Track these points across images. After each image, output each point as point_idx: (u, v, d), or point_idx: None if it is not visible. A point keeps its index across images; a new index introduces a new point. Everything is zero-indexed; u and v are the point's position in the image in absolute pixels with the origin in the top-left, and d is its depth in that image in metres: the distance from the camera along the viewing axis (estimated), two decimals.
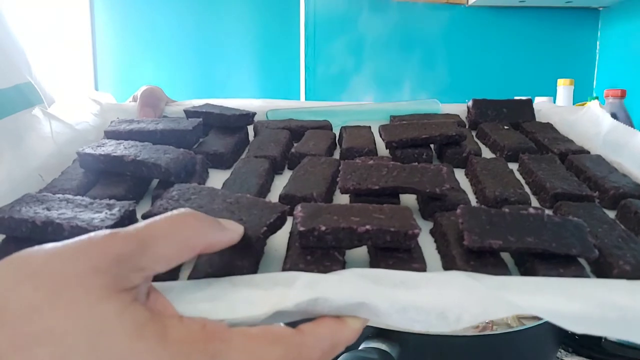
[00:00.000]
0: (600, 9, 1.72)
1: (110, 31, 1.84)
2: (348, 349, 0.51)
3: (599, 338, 0.58)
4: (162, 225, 0.23)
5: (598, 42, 1.75)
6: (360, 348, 0.51)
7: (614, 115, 1.20)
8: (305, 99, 1.80)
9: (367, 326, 0.54)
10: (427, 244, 0.36)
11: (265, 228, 0.32)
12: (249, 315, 0.26)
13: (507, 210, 0.34)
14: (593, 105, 0.55)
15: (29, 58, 0.63)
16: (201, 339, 0.22)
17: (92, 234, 0.23)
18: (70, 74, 1.85)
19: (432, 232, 0.38)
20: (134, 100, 0.66)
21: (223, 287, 0.28)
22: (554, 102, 1.29)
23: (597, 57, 1.75)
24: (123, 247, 0.22)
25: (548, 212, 0.34)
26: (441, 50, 1.71)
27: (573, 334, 0.65)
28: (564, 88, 1.28)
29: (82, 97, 0.60)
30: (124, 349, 0.21)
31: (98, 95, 0.64)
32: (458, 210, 0.34)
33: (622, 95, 1.15)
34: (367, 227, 0.32)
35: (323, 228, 0.32)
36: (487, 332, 0.61)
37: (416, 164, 0.42)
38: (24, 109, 0.56)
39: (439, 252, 0.35)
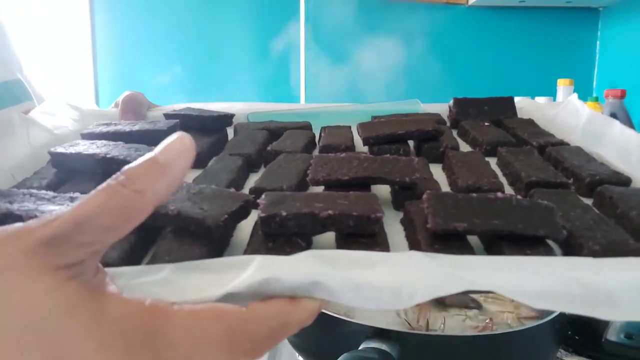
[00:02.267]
0: (600, 9, 1.73)
1: (110, 32, 1.86)
2: (348, 349, 0.49)
3: (599, 338, 0.57)
4: (97, 198, 0.23)
5: (598, 42, 1.75)
6: (360, 348, 0.49)
7: (613, 115, 1.19)
8: (305, 101, 1.81)
9: (367, 326, 0.53)
10: (397, 234, 0.36)
11: (225, 216, 0.32)
12: (199, 298, 0.25)
13: (474, 195, 0.33)
14: (573, 98, 0.54)
15: (19, 56, 0.63)
16: (139, 316, 0.22)
17: (29, 221, 0.22)
18: (70, 74, 1.87)
19: (402, 222, 0.37)
20: (117, 106, 0.66)
21: (176, 271, 0.27)
22: (555, 103, 1.29)
23: (597, 57, 1.75)
24: (57, 228, 0.22)
25: (518, 197, 0.34)
26: (441, 50, 1.72)
27: (573, 334, 0.64)
28: (564, 88, 1.28)
29: (62, 104, 0.60)
30: (56, 327, 0.20)
31: (79, 103, 0.64)
32: (424, 196, 0.33)
33: (622, 95, 1.15)
34: (330, 211, 0.31)
35: (284, 213, 0.31)
36: (487, 332, 0.60)
37: (388, 155, 0.42)
38: (11, 106, 0.56)
39: (407, 240, 0.35)
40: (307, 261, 0.26)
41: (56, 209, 0.33)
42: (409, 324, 0.59)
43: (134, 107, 0.65)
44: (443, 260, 0.26)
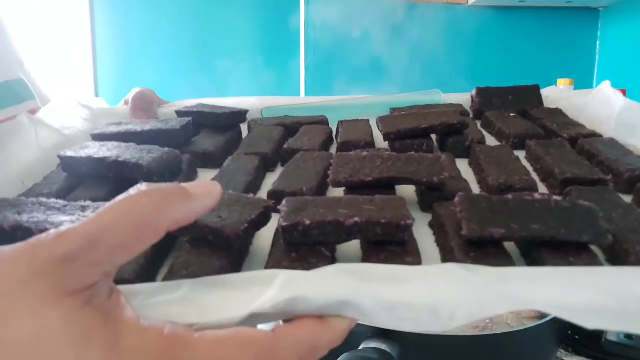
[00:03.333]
0: (600, 9, 1.70)
1: (110, 31, 1.85)
2: (348, 349, 0.48)
3: (599, 338, 0.56)
4: (113, 212, 0.21)
5: (598, 42, 1.72)
6: (360, 348, 0.49)
7: None
8: (305, 95, 1.79)
9: (367, 326, 0.52)
10: (426, 238, 0.34)
11: (246, 225, 0.30)
12: (222, 318, 0.23)
13: (510, 197, 0.31)
14: (604, 85, 0.51)
15: (21, 55, 0.62)
16: (158, 346, 0.20)
17: (39, 236, 0.21)
18: (70, 74, 1.86)
19: (431, 225, 0.35)
20: (126, 104, 0.65)
21: (195, 289, 0.25)
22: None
23: (597, 57, 1.72)
24: (69, 246, 0.20)
25: (556, 198, 0.31)
26: (441, 50, 1.69)
27: (573, 334, 0.63)
28: (563, 88, 1.25)
29: (72, 103, 0.58)
30: (70, 358, 0.19)
31: (89, 101, 0.62)
32: (456, 199, 0.31)
33: (622, 95, 1.11)
34: (356, 219, 0.29)
35: (308, 222, 0.29)
36: (487, 332, 0.59)
37: (413, 153, 0.40)
38: (14, 105, 0.55)
39: (437, 245, 0.33)
40: (336, 278, 0.24)
41: (67, 219, 0.32)
42: None
43: (144, 104, 0.63)
44: (482, 274, 0.24)
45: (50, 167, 0.47)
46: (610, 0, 1.59)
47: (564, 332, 0.63)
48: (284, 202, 0.32)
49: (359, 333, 0.50)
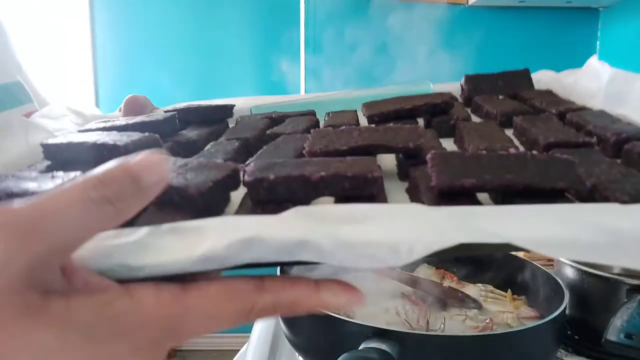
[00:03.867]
0: (600, 9, 1.70)
1: (110, 32, 1.89)
2: (348, 349, 0.47)
3: (599, 338, 0.54)
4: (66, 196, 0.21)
5: (598, 42, 1.71)
6: (360, 348, 0.48)
7: None
8: (305, 90, 1.79)
9: (367, 326, 0.51)
10: (404, 203, 0.32)
11: (210, 184, 0.29)
12: (174, 259, 0.23)
13: (483, 152, 0.30)
14: (592, 60, 0.50)
15: (19, 58, 0.63)
16: (160, 318, 0.22)
17: None
18: (69, 78, 1.89)
19: (407, 190, 0.34)
20: (120, 111, 0.65)
21: (151, 233, 0.24)
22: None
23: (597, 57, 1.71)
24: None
25: (533, 152, 0.30)
26: (441, 51, 1.70)
27: (573, 334, 0.61)
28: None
29: (63, 108, 0.59)
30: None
31: (81, 107, 0.63)
32: (428, 156, 0.30)
33: None
34: (322, 173, 0.28)
35: (272, 177, 0.28)
36: (487, 332, 0.58)
37: (391, 124, 0.39)
38: (12, 108, 0.56)
39: None
40: (293, 220, 0.23)
41: (35, 185, 0.31)
42: (409, 324, 0.57)
43: (136, 109, 0.63)
44: (446, 211, 0.23)
45: (37, 160, 0.48)
46: (610, 0, 1.59)
47: (564, 332, 0.62)
48: (252, 162, 0.31)
49: (359, 333, 0.50)
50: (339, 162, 0.30)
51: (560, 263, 0.73)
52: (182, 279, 0.24)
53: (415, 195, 0.31)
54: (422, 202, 0.29)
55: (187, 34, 1.87)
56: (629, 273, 0.64)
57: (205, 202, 0.29)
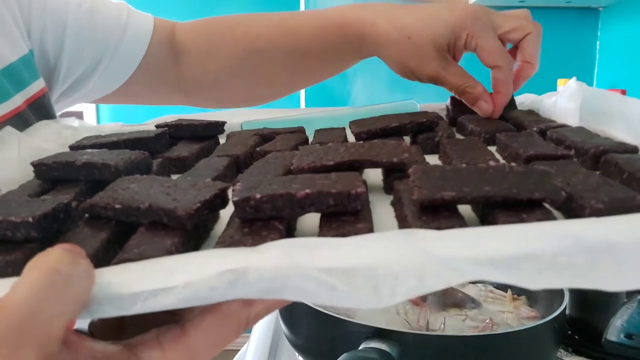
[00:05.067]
0: (600, 9, 1.72)
1: None
2: (348, 349, 0.47)
3: (599, 338, 0.55)
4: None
5: (598, 42, 1.73)
6: (360, 348, 0.48)
7: None
8: (306, 105, 1.80)
9: (367, 326, 0.51)
10: (389, 216, 0.33)
11: (198, 204, 0.30)
12: (161, 286, 0.23)
13: (463, 165, 0.31)
14: (571, 81, 0.52)
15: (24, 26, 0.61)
16: None
17: None
18: None
19: (392, 203, 0.35)
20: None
21: (141, 266, 0.25)
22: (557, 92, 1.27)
23: (597, 57, 1.73)
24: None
25: (512, 164, 0.31)
26: None
27: (573, 334, 0.62)
28: (563, 88, 1.26)
29: (53, 123, 0.59)
30: None
31: (74, 122, 0.64)
32: (410, 170, 0.31)
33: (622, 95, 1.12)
34: (307, 191, 0.29)
35: (258, 196, 0.29)
36: (487, 332, 0.58)
37: (377, 140, 0.40)
38: (18, 93, 0.54)
39: (396, 219, 0.32)
40: (278, 257, 0.23)
41: (26, 210, 0.32)
42: (409, 324, 0.57)
43: None
44: (419, 236, 0.23)
45: (28, 178, 0.48)
46: (610, 0, 1.62)
47: (564, 332, 0.62)
48: (239, 181, 0.32)
49: (359, 333, 0.50)
50: (324, 178, 0.31)
51: None
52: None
53: (399, 209, 0.32)
54: (405, 215, 0.29)
55: None
56: None
57: (193, 222, 0.30)
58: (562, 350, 0.62)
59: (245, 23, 0.67)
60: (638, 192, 0.29)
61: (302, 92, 1.85)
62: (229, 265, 0.23)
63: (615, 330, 0.54)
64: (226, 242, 0.28)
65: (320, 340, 0.54)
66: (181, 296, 0.23)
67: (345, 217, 0.29)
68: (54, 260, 0.22)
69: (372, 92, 1.68)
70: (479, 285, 0.73)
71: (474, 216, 0.31)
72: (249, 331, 0.83)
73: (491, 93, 0.56)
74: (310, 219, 0.32)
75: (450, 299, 0.65)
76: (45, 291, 0.21)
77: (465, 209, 0.30)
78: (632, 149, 0.38)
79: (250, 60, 0.66)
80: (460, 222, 0.27)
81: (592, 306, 0.66)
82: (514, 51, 0.60)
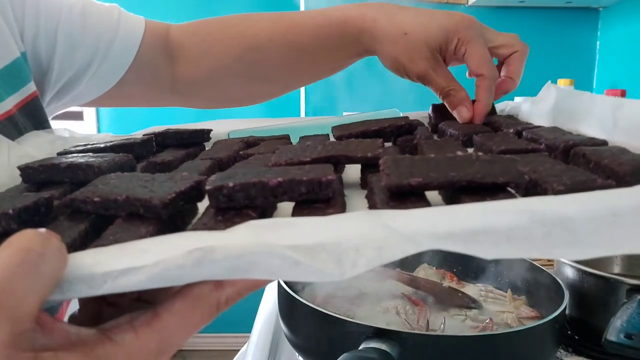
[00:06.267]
0: (600, 9, 1.74)
1: None
2: (348, 349, 0.47)
3: (599, 338, 0.54)
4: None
5: (598, 42, 1.75)
6: (360, 348, 0.48)
7: None
8: (306, 111, 1.80)
9: (367, 326, 0.52)
10: (363, 207, 0.34)
11: (173, 194, 0.31)
12: (130, 265, 0.23)
13: (432, 155, 0.32)
14: (547, 85, 0.54)
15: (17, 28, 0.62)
16: None
17: None
18: None
19: (367, 196, 0.35)
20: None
21: (112, 248, 0.26)
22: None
23: (597, 57, 1.75)
24: None
25: (479, 154, 0.32)
26: None
27: (573, 334, 0.61)
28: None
29: (42, 133, 0.60)
30: None
31: (61, 131, 0.65)
32: (380, 161, 0.32)
33: (622, 95, 1.14)
34: (279, 179, 0.30)
35: (231, 184, 0.30)
36: (487, 332, 0.58)
37: (353, 139, 0.41)
38: (10, 95, 0.55)
39: (368, 209, 0.33)
40: (244, 236, 0.24)
41: (9, 203, 0.32)
42: (409, 324, 0.57)
43: None
44: (384, 216, 0.24)
45: (17, 183, 0.49)
46: (610, 0, 1.64)
47: (564, 332, 0.62)
48: (215, 174, 0.33)
49: (359, 333, 0.51)
50: (297, 169, 0.32)
51: (560, 263, 0.74)
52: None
53: (371, 199, 0.33)
54: (375, 202, 0.30)
55: None
56: (629, 273, 0.65)
57: (168, 213, 0.30)
58: (562, 350, 0.62)
59: (241, 22, 0.68)
60: (602, 177, 0.30)
61: (303, 104, 1.87)
62: (197, 244, 0.23)
63: (615, 330, 0.54)
64: (199, 229, 0.29)
65: (320, 340, 0.54)
66: (150, 275, 0.23)
67: (317, 204, 0.30)
68: (26, 240, 0.23)
69: (371, 95, 1.70)
70: (479, 285, 0.73)
71: (442, 203, 0.32)
72: (249, 331, 0.83)
73: (473, 101, 0.58)
74: (286, 210, 0.32)
75: (450, 299, 0.65)
76: (18, 268, 0.22)
77: (432, 196, 0.31)
78: (601, 143, 0.39)
79: (246, 58, 0.66)
80: (426, 206, 0.28)
81: (592, 306, 0.66)
82: (499, 67, 0.62)
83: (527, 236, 0.22)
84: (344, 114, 2.16)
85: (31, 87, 0.59)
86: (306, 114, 1.85)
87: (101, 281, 0.24)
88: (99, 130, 1.96)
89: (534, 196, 0.29)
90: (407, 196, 0.29)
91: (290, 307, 0.60)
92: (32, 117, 0.59)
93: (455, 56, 0.59)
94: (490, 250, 0.22)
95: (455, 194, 0.29)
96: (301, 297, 0.58)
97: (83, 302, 0.34)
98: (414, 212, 0.24)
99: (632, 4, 1.57)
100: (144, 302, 0.35)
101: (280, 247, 0.23)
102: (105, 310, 0.34)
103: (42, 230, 0.24)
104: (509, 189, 0.29)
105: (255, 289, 0.28)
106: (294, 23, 0.65)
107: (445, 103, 0.58)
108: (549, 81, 0.54)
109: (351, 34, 0.62)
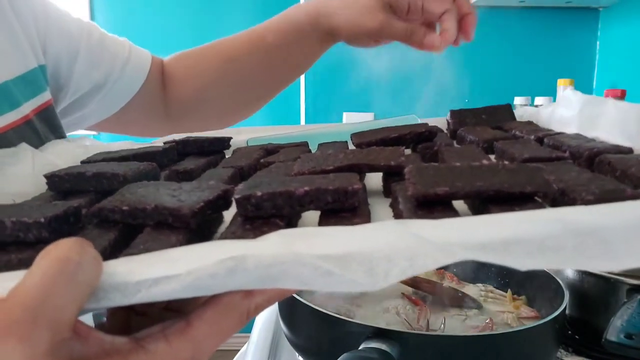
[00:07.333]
0: (600, 9, 1.73)
1: (110, 31, 1.94)
2: (348, 349, 0.47)
3: (599, 338, 0.54)
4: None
5: (598, 42, 1.74)
6: (360, 348, 0.48)
7: None
8: (305, 115, 1.80)
9: (367, 326, 0.52)
10: (387, 217, 0.34)
11: (201, 204, 0.31)
12: (164, 274, 0.24)
13: (457, 164, 0.32)
14: (566, 92, 0.53)
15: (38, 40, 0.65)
16: None
17: None
18: None
19: (391, 205, 0.36)
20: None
21: (143, 257, 0.26)
22: (554, 102, 1.28)
23: (597, 57, 1.74)
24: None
25: (505, 162, 0.32)
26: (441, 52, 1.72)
27: (573, 334, 0.61)
28: (564, 88, 1.27)
29: (64, 142, 0.61)
30: None
31: (82, 140, 0.66)
32: (405, 170, 0.32)
33: (622, 95, 1.13)
34: (306, 188, 0.30)
35: (259, 194, 0.30)
36: (487, 332, 0.57)
37: (375, 147, 0.41)
38: (26, 102, 0.57)
39: (394, 218, 0.33)
40: (277, 244, 0.24)
41: (37, 212, 0.33)
42: (409, 324, 0.56)
43: None
44: (415, 225, 0.24)
45: (42, 191, 0.50)
46: (610, 0, 1.63)
47: (564, 332, 0.61)
48: (242, 183, 0.33)
49: (359, 333, 0.51)
50: (322, 178, 0.32)
51: None
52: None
53: (396, 207, 0.33)
54: (401, 211, 0.30)
55: (186, 36, 1.90)
56: (629, 273, 0.64)
57: (197, 222, 0.31)
58: (562, 350, 0.61)
59: (219, 42, 0.75)
60: (629, 187, 0.30)
61: (303, 104, 1.87)
62: (229, 254, 0.23)
63: (615, 330, 0.54)
64: (228, 237, 0.29)
65: (320, 340, 0.54)
66: (183, 284, 0.23)
67: (343, 213, 0.30)
68: (64, 249, 0.24)
69: (371, 97, 1.70)
70: (479, 285, 0.73)
71: (468, 212, 0.32)
72: (249, 331, 0.83)
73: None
74: (311, 219, 0.33)
75: (450, 299, 0.65)
76: (58, 277, 0.22)
77: (459, 205, 0.31)
78: (626, 150, 0.39)
79: (228, 69, 0.73)
80: (454, 215, 0.28)
81: (592, 306, 0.66)
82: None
83: (560, 247, 0.22)
84: (344, 114, 2.15)
85: (47, 95, 0.61)
86: (306, 114, 1.85)
87: (135, 290, 0.24)
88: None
89: (562, 206, 0.29)
90: (434, 205, 0.29)
91: (290, 307, 0.60)
92: (49, 123, 0.61)
93: (410, 7, 0.62)
94: (524, 261, 0.22)
95: (483, 203, 0.29)
96: (301, 297, 0.58)
97: (112, 311, 0.34)
98: (444, 222, 0.24)
99: (632, 4, 1.56)
100: (172, 311, 0.35)
101: (311, 256, 0.23)
102: (133, 319, 0.34)
103: (77, 239, 0.25)
104: (536, 198, 0.29)
105: (284, 296, 0.28)
106: (261, 29, 0.73)
107: (411, 45, 0.62)
108: (570, 87, 0.54)
109: (310, 19, 0.68)
